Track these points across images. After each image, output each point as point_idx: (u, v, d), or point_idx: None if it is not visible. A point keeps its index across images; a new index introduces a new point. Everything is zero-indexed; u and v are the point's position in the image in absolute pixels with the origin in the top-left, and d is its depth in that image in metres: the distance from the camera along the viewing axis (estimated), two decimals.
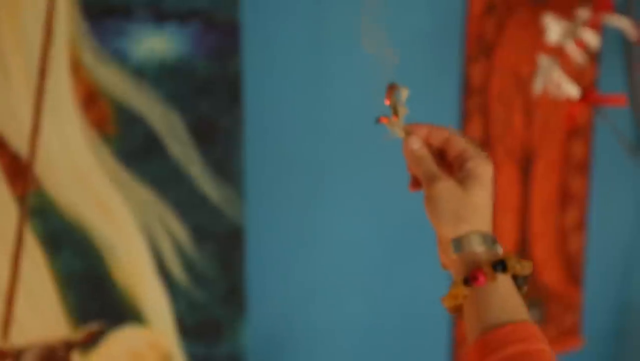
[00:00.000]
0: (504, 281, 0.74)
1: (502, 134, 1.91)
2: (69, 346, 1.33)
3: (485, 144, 1.88)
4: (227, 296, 1.51)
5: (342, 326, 1.71)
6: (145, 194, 1.39)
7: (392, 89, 0.73)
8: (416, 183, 0.80)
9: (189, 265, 1.46)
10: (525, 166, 1.98)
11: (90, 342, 1.36)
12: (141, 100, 1.37)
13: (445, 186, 0.74)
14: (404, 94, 0.73)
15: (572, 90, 1.73)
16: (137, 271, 1.40)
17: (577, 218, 2.07)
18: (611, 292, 2.17)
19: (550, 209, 2.04)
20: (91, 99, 1.32)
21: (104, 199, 1.35)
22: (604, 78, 2.01)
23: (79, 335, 1.34)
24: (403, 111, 0.73)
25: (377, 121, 0.75)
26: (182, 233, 1.44)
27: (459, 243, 0.75)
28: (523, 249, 2.01)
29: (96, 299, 1.37)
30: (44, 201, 1.29)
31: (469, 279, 0.74)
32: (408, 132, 0.74)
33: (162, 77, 1.37)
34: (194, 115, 1.42)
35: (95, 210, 1.34)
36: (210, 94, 1.43)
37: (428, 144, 0.77)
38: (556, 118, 1.96)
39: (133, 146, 1.37)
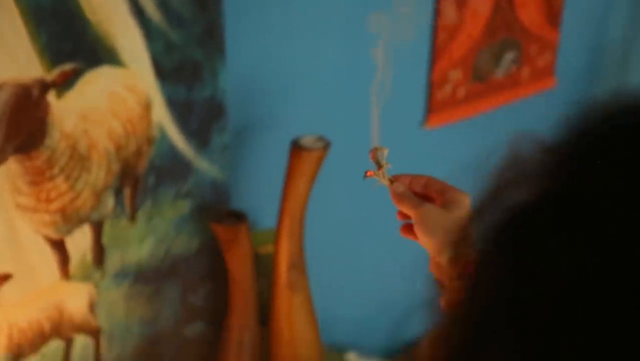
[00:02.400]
0: None
1: None
2: (43, 85, 1.27)
3: None
4: (204, 37, 1.44)
5: (319, 70, 1.67)
6: None
7: (375, 149, 0.88)
8: (407, 228, 0.88)
9: (163, 3, 1.37)
10: None
11: (65, 82, 1.30)
12: None
13: (429, 207, 0.84)
14: (385, 152, 0.88)
15: None
16: (108, 8, 1.32)
17: None
18: (587, 32, 2.14)
19: None
20: None
21: None
22: None
23: (54, 74, 1.28)
24: (385, 165, 0.88)
25: (366, 175, 0.89)
26: None
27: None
28: None
29: (68, 39, 1.29)
30: None
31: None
32: (392, 181, 0.88)
33: None
34: None
35: None
36: None
37: (412, 191, 0.88)
38: None
39: None
